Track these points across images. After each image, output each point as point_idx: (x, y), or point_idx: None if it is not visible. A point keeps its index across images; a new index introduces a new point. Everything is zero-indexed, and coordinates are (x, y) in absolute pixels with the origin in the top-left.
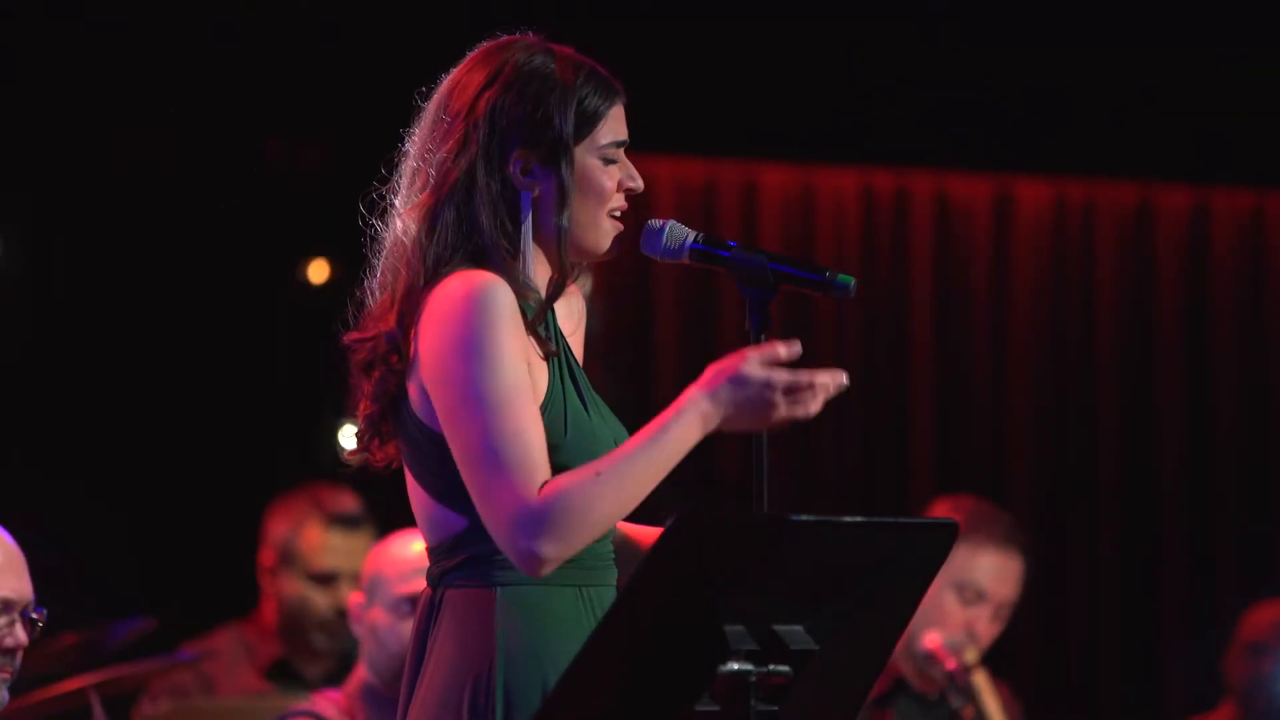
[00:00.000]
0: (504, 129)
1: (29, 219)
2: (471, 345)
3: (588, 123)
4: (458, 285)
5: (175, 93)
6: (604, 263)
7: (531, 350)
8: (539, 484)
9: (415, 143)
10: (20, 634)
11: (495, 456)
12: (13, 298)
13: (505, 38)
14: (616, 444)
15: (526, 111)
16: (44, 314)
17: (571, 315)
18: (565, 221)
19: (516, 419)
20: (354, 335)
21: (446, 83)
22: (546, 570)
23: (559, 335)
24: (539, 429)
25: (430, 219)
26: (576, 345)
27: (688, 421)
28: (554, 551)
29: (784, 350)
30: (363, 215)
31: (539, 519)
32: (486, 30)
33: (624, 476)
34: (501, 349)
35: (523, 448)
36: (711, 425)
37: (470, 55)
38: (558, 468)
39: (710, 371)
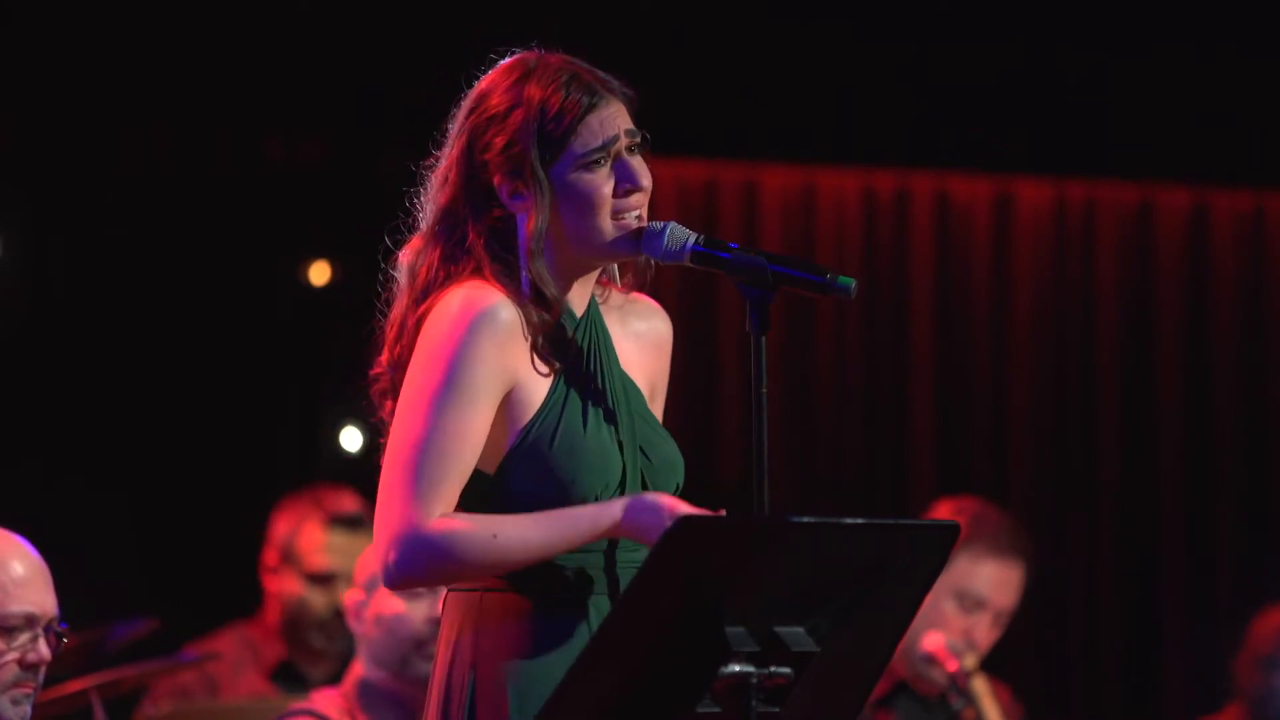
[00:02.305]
0: (482, 161)
1: (28, 218)
2: (445, 359)
3: (559, 137)
4: (457, 300)
5: (174, 92)
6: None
7: (528, 366)
8: (437, 514)
9: (430, 177)
10: (44, 649)
11: (413, 465)
12: (12, 297)
13: (514, 58)
14: (623, 468)
15: (499, 140)
16: (43, 314)
17: (643, 336)
18: (535, 243)
19: (452, 441)
20: (371, 370)
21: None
22: (397, 590)
23: (600, 347)
24: (468, 462)
25: (423, 256)
26: (646, 363)
27: (601, 525)
28: (412, 582)
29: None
30: (364, 216)
31: (418, 548)
32: (485, 30)
33: (516, 548)
34: (472, 373)
35: (442, 470)
36: (618, 532)
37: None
38: (546, 476)
39: (649, 496)
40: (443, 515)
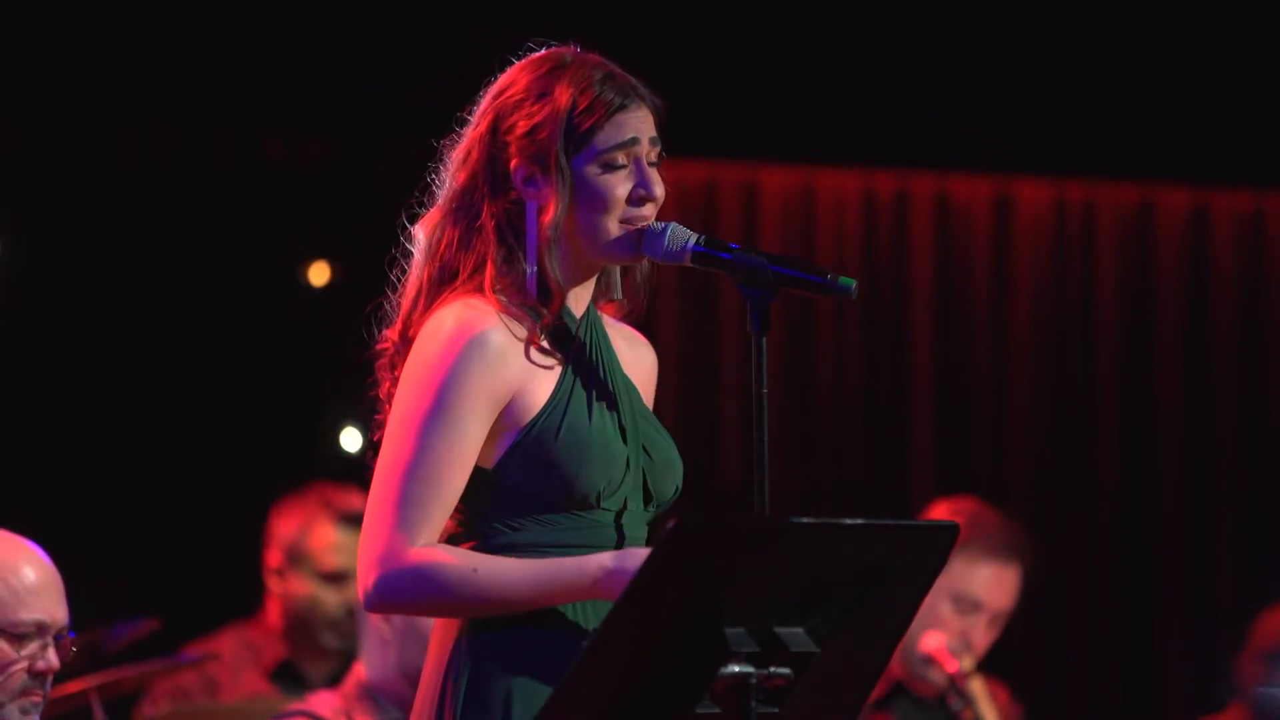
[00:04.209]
0: (504, 142)
1: (28, 218)
2: (435, 384)
3: (585, 131)
4: (450, 321)
5: (174, 92)
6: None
7: (527, 373)
8: (420, 541)
9: (449, 156)
10: (53, 658)
11: (399, 491)
12: (12, 297)
13: (549, 50)
14: (626, 465)
15: (524, 123)
16: (43, 314)
17: (640, 358)
18: (553, 230)
19: (439, 467)
20: (377, 345)
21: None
22: (376, 614)
23: (601, 346)
24: (455, 487)
25: (438, 231)
26: (638, 384)
27: (588, 573)
28: (390, 607)
29: None
30: (364, 216)
31: (399, 576)
32: (485, 30)
33: (495, 586)
34: (462, 402)
35: (428, 496)
36: (598, 593)
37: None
38: (549, 470)
39: (627, 555)
40: (426, 544)
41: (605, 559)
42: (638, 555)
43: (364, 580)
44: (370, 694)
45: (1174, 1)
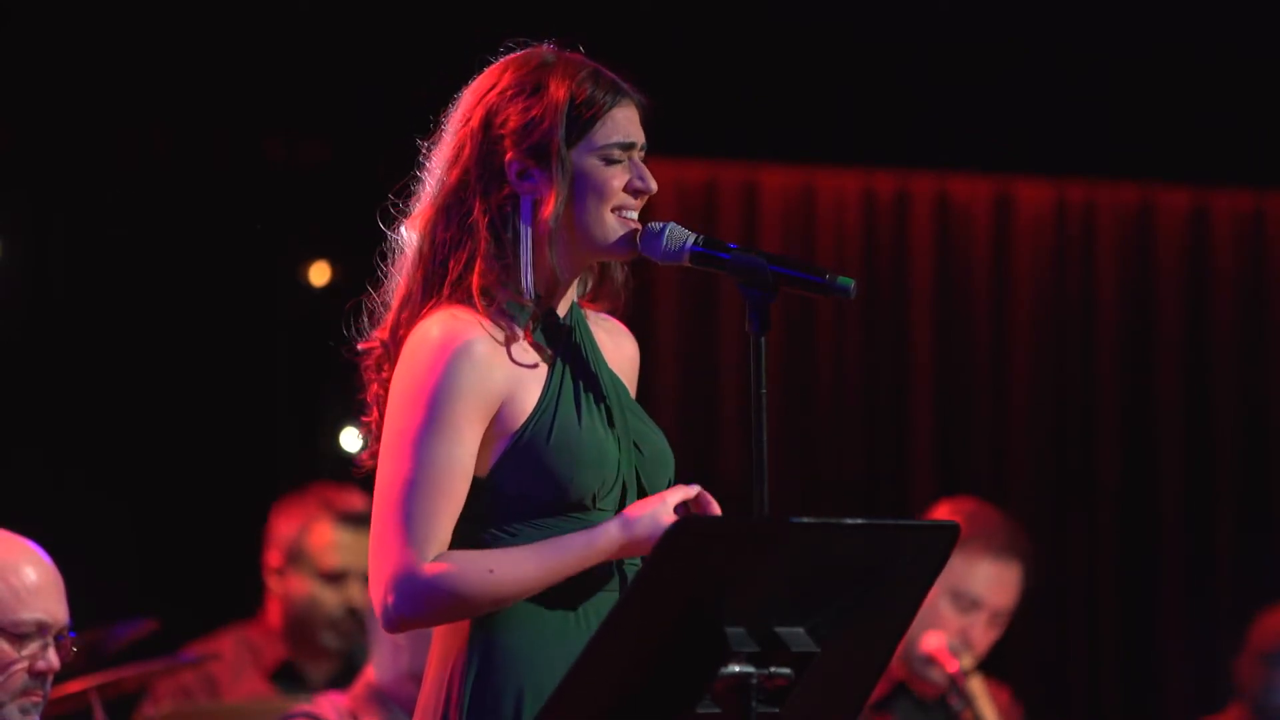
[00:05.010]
0: (498, 136)
1: (28, 218)
2: (425, 396)
3: (583, 124)
4: (435, 332)
5: (174, 92)
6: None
7: (516, 378)
8: (432, 554)
9: (432, 155)
10: (53, 658)
11: (404, 506)
12: (12, 297)
13: (528, 50)
14: (619, 464)
15: (519, 116)
16: (43, 314)
17: (621, 349)
18: (554, 222)
19: (440, 478)
20: (362, 344)
21: (462, 96)
22: (398, 632)
23: (586, 343)
24: (458, 496)
25: (429, 229)
26: (621, 376)
27: (597, 548)
28: (413, 623)
29: (694, 492)
30: (364, 216)
31: (417, 590)
32: (484, 30)
33: (513, 580)
34: (454, 412)
35: (433, 508)
36: (615, 554)
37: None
38: (542, 474)
39: (633, 508)
40: (437, 554)
41: (612, 529)
42: (640, 521)
43: (381, 601)
44: (379, 696)
45: (1174, 1)
